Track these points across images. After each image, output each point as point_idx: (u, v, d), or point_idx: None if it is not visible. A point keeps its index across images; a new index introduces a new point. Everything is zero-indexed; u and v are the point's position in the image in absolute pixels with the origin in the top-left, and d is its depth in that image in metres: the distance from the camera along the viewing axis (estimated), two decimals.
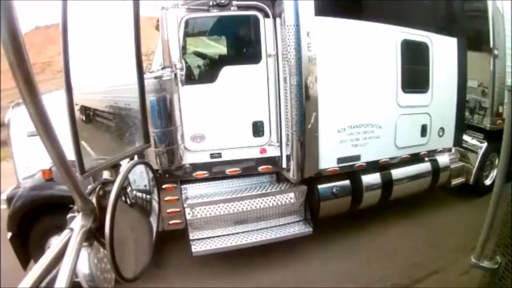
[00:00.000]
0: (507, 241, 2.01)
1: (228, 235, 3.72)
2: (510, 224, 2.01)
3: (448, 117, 4.81)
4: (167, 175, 3.50)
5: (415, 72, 4.40)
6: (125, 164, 0.94)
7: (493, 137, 5.23)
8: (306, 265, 3.83)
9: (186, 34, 3.44)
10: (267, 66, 3.52)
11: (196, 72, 3.99)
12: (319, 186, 3.91)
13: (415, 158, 4.60)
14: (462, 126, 5.06)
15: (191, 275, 3.75)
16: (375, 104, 4.05)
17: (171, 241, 4.00)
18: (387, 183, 4.32)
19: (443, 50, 4.54)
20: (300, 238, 3.84)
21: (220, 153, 3.58)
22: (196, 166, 3.57)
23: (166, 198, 3.57)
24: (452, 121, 4.87)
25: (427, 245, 4.07)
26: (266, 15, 3.44)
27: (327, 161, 3.83)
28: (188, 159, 3.52)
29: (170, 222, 3.61)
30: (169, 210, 3.59)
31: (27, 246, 3.35)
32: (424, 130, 4.55)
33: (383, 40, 4.03)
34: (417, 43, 4.34)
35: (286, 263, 3.85)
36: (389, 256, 3.90)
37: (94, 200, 0.81)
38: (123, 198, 0.89)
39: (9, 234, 3.25)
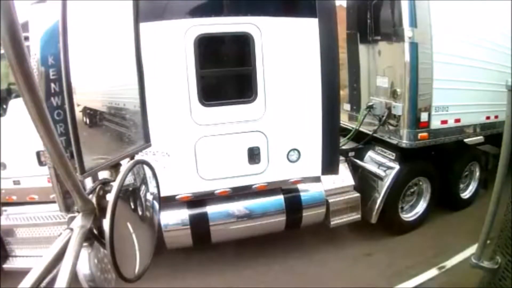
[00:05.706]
0: (507, 241, 2.01)
1: None
2: (510, 224, 2.01)
3: (307, 133, 3.60)
4: None
5: (226, 77, 3.49)
6: (125, 163, 0.94)
7: (411, 156, 4.13)
8: None
9: None
10: None
11: None
12: None
13: (249, 192, 3.62)
14: (334, 144, 3.76)
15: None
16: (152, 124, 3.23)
17: None
18: (202, 223, 3.55)
19: (286, 38, 3.37)
20: None
21: None
22: None
23: None
24: (316, 139, 3.62)
25: None
26: None
27: None
28: None
29: None
30: None
31: None
32: (254, 155, 3.48)
33: (159, 43, 3.05)
34: (230, 36, 3.35)
35: None
36: None
37: (94, 200, 0.81)
38: (123, 198, 0.89)
39: None
